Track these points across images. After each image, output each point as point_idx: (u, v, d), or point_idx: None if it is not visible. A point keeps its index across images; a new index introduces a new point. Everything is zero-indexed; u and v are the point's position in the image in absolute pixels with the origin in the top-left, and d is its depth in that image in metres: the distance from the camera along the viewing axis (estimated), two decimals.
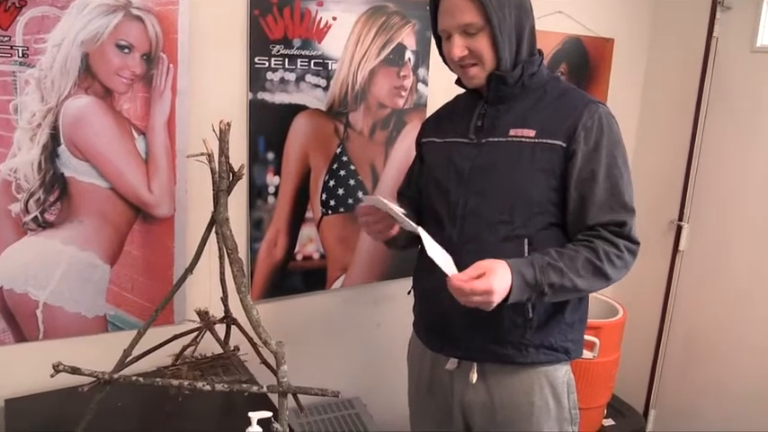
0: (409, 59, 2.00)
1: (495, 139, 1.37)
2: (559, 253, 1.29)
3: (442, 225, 1.42)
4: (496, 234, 1.35)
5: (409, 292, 1.60)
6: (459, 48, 1.33)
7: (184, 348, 1.65)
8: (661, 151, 2.69)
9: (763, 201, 2.35)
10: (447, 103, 1.61)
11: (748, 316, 2.41)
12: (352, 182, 1.98)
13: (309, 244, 1.96)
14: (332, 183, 1.95)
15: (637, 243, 1.34)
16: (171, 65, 1.64)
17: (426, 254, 1.27)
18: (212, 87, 1.72)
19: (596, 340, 2.24)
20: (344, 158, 1.95)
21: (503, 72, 1.35)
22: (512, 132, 1.36)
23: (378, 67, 1.95)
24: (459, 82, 1.46)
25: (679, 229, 2.62)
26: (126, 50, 1.58)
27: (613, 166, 1.32)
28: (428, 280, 1.44)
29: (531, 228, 1.35)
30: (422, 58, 2.02)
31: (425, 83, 2.05)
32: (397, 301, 2.15)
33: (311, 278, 1.99)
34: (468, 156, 1.40)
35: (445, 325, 1.44)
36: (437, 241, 1.33)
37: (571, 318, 1.42)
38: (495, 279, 1.19)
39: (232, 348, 1.70)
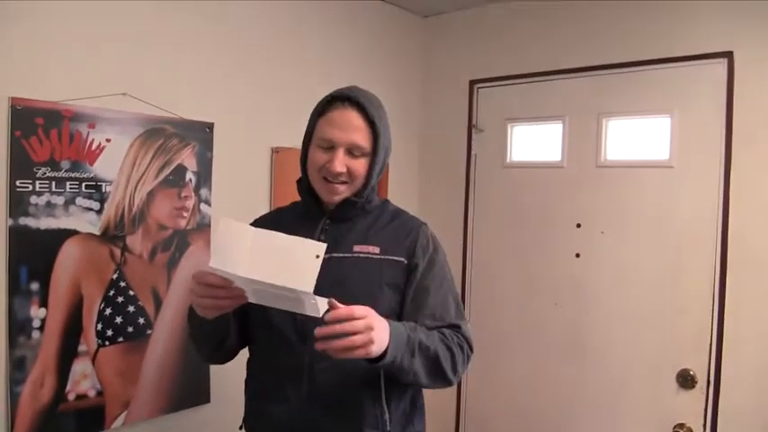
0: (190, 180, 1.98)
1: (341, 255, 1.39)
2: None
3: (290, 343, 1.36)
4: None
5: (241, 427, 1.50)
6: (342, 165, 1.37)
7: None
8: None
9: (523, 302, 2.62)
10: (264, 220, 1.55)
11: (527, 402, 2.61)
12: (131, 308, 1.86)
13: (84, 381, 1.77)
14: (108, 311, 1.80)
15: (471, 348, 1.41)
16: None
17: (270, 376, 1.21)
18: None
19: None
20: (122, 284, 1.83)
21: (355, 198, 1.42)
22: (356, 249, 1.40)
23: (157, 189, 1.90)
24: (310, 195, 1.46)
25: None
26: None
27: (443, 279, 1.44)
28: (280, 408, 1.37)
29: None
30: (203, 179, 2.02)
31: (208, 203, 2.03)
32: None
33: (87, 419, 1.78)
34: None
35: None
36: (283, 352, 1.31)
37: (420, 402, 1.48)
38: (373, 315, 1.17)
39: None
